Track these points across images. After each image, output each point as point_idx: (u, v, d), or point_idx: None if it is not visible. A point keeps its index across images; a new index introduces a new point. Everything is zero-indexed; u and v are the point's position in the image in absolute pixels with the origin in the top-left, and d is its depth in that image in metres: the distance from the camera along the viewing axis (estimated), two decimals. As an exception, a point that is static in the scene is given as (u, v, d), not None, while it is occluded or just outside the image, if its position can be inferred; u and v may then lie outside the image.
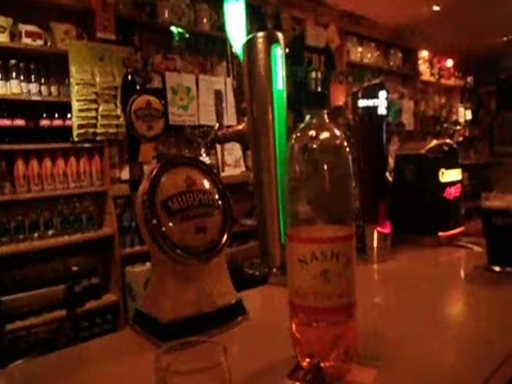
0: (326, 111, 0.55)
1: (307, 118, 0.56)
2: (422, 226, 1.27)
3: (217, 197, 0.75)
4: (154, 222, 0.66)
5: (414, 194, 1.29)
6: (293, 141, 0.56)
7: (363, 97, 1.13)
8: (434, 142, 1.32)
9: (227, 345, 0.65)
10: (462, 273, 1.01)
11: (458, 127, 5.71)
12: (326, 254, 0.51)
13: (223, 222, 0.73)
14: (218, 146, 1.30)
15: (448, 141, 1.38)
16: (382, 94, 1.13)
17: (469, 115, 5.95)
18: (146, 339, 0.67)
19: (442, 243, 1.25)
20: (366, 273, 1.05)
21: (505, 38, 5.15)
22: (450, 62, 5.94)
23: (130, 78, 0.97)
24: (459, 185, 1.31)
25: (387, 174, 1.45)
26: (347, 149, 0.55)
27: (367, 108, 1.12)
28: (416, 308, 0.78)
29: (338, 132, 0.55)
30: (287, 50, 4.26)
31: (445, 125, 5.53)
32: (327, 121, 0.55)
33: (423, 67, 5.61)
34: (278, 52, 1.00)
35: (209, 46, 3.54)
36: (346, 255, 0.52)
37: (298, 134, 0.56)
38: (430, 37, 5.17)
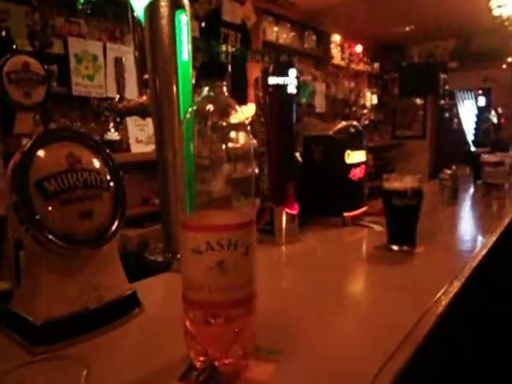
0: (225, 83, 0.49)
1: (204, 90, 0.50)
2: (328, 206, 1.29)
3: (108, 177, 0.66)
4: (25, 205, 0.55)
5: (320, 174, 1.30)
6: (188, 115, 0.49)
7: (273, 74, 1.09)
8: (341, 124, 1.33)
9: (115, 344, 0.58)
10: (364, 253, 1.04)
11: (365, 111, 6.05)
12: (223, 243, 0.46)
13: (114, 205, 0.65)
14: (129, 122, 1.17)
15: (354, 123, 1.41)
16: (292, 72, 1.10)
17: (375, 100, 6.32)
18: (17, 344, 0.57)
19: (346, 223, 1.28)
20: (274, 255, 1.03)
21: (407, 28, 5.49)
22: (359, 48, 6.21)
23: (4, 33, 0.82)
24: (363, 166, 1.35)
25: (298, 154, 1.45)
26: (248, 127, 0.50)
27: (277, 86, 1.09)
28: (320, 291, 0.77)
29: (238, 107, 0.50)
30: (203, 24, 4.12)
31: (353, 108, 5.80)
32: (226, 94, 0.49)
33: (335, 51, 5.79)
34: (183, 19, 0.91)
35: (118, 11, 3.25)
36: (245, 244, 0.48)
37: (194, 108, 0.50)
38: (342, 21, 5.33)
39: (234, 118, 0.49)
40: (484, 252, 0.96)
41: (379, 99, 6.40)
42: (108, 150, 0.69)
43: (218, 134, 0.47)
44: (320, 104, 5.38)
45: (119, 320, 0.62)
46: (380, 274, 0.87)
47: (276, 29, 5.04)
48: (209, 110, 0.48)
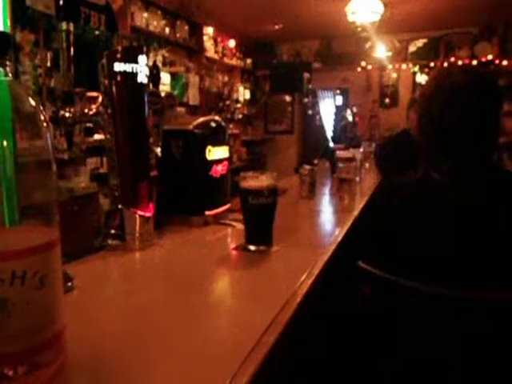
0: (8, 61, 0.37)
1: (-19, 71, 0.37)
2: (190, 205, 1.22)
3: None
4: None
5: (180, 171, 1.22)
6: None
7: (120, 60, 0.97)
8: (202, 119, 1.27)
9: None
10: (222, 255, 0.98)
11: (239, 105, 6.14)
12: (3, 276, 0.35)
13: None
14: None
15: (216, 118, 1.36)
16: (142, 59, 0.99)
17: (247, 95, 6.46)
18: None
19: (208, 222, 1.22)
20: (124, 264, 0.92)
21: (276, 27, 5.72)
22: (232, 43, 6.27)
23: None
24: (226, 162, 1.31)
25: (158, 150, 1.35)
26: (44, 123, 0.39)
27: (125, 73, 0.97)
28: (167, 306, 0.70)
29: (31, 99, 0.38)
30: (61, 2, 3.67)
31: (227, 102, 5.84)
32: (11, 78, 0.37)
33: (208, 44, 5.74)
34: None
35: None
36: (40, 274, 0.37)
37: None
38: (213, 14, 5.31)
39: (23, 109, 0.38)
40: (333, 247, 0.99)
41: (252, 94, 6.56)
42: None
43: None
44: (193, 96, 5.29)
45: None
46: (235, 278, 0.83)
47: (146, 15, 4.78)
48: (-18, 97, 0.36)
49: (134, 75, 0.98)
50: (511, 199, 1.04)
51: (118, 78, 0.97)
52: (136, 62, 0.98)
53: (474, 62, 5.44)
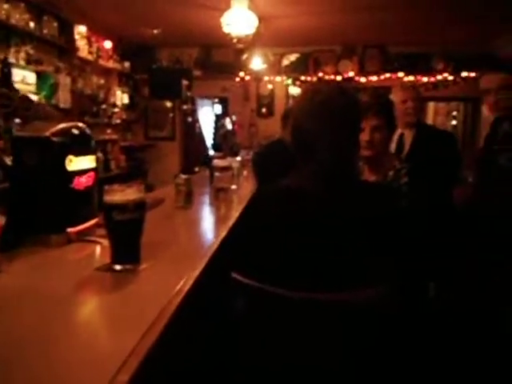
0: None
1: None
2: (48, 222, 1.09)
3: None
4: None
5: (36, 184, 1.08)
6: None
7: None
8: (62, 125, 1.15)
9: None
10: (83, 276, 0.88)
11: (116, 109, 5.82)
12: None
13: None
14: None
15: (80, 124, 1.24)
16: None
17: (126, 99, 6.16)
18: None
19: (72, 240, 1.11)
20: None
21: (155, 31, 5.56)
22: (108, 44, 5.92)
23: None
24: (92, 173, 1.21)
25: (7, 159, 1.18)
26: None
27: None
28: (16, 341, 0.60)
29: None
30: None
31: (103, 106, 5.49)
32: None
33: (81, 43, 5.32)
34: None
35: None
36: None
37: None
38: (86, 12, 4.95)
39: None
40: (207, 259, 0.97)
41: (131, 99, 6.28)
42: None
43: None
44: (64, 99, 4.84)
45: None
46: (94, 304, 0.76)
47: (6, 6, 4.24)
48: None
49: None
50: (371, 209, 1.12)
51: None
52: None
53: (339, 78, 6.00)
